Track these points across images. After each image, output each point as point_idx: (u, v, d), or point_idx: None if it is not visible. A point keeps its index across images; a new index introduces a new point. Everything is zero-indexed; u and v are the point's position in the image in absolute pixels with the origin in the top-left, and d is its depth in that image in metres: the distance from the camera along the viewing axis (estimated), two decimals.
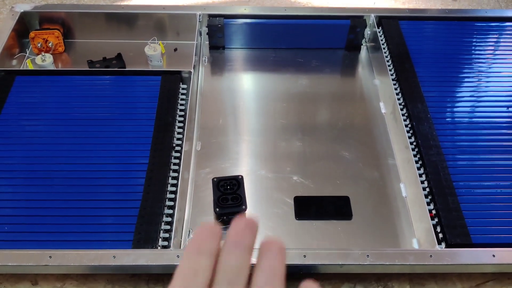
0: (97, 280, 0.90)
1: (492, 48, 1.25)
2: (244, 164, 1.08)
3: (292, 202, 1.01)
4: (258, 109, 1.20)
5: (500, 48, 1.25)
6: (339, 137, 1.14)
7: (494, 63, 1.21)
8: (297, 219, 0.99)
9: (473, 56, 1.23)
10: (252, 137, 1.14)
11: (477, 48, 1.24)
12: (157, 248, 0.85)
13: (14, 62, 1.26)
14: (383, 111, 1.19)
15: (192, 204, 1.00)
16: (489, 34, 1.28)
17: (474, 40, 1.26)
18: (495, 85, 1.16)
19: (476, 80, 1.17)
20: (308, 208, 1.00)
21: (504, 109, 1.10)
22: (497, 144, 1.03)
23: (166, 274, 0.90)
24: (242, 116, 1.19)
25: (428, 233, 0.90)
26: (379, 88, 1.24)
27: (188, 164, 1.06)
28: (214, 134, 1.14)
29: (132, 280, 0.90)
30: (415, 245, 0.94)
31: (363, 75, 1.30)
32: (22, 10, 1.29)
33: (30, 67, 1.23)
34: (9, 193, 0.92)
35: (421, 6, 1.55)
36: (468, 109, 1.10)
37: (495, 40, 1.27)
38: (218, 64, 1.32)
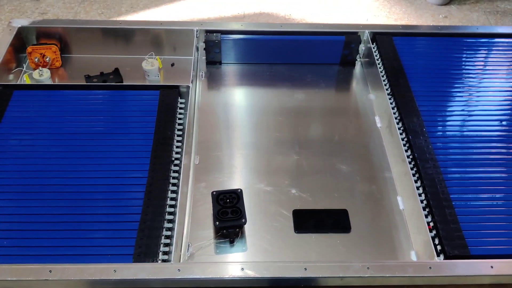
0: None
1: (483, 63, 1.28)
2: (242, 177, 1.09)
3: (291, 215, 1.02)
4: (254, 123, 1.21)
5: (491, 63, 1.28)
6: (335, 150, 1.16)
7: (486, 77, 1.24)
8: (296, 232, 0.99)
9: (466, 71, 1.25)
10: (249, 151, 1.15)
11: (469, 63, 1.27)
12: (157, 261, 0.85)
13: (11, 76, 1.26)
14: (378, 125, 1.21)
15: (191, 217, 1.01)
16: (480, 49, 1.31)
17: (466, 55, 1.29)
18: (487, 99, 1.18)
19: (469, 94, 1.19)
20: (307, 221, 1.01)
21: (497, 122, 1.12)
22: (491, 157, 1.05)
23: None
24: (239, 130, 1.19)
25: (426, 245, 0.91)
26: (374, 103, 1.26)
27: (186, 178, 1.06)
28: (212, 148, 1.15)
29: None
30: (413, 257, 0.95)
31: (358, 90, 1.32)
32: (19, 25, 1.29)
33: (28, 81, 1.23)
34: (8, 207, 0.92)
35: (413, 22, 1.58)
36: (462, 122, 1.12)
37: (486, 55, 1.30)
38: (215, 79, 1.34)
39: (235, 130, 1.19)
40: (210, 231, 0.99)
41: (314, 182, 1.09)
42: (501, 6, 1.77)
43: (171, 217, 0.94)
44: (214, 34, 1.31)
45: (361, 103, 1.28)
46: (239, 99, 1.29)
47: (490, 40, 1.34)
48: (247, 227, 0.99)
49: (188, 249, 0.94)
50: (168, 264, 0.85)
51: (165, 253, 0.88)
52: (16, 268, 0.82)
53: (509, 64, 1.27)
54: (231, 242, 0.96)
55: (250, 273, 0.83)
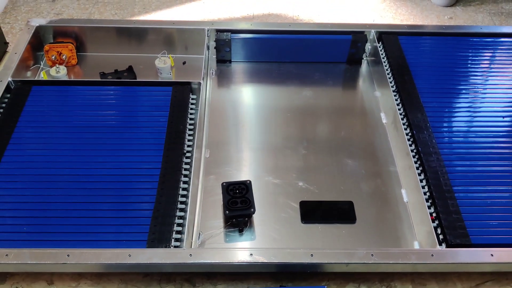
0: (111, 280, 0.93)
1: (486, 61, 1.31)
2: (251, 170, 1.13)
3: (298, 207, 1.05)
4: (263, 120, 1.25)
5: (494, 61, 1.31)
6: (341, 146, 1.19)
7: (488, 75, 1.27)
8: (303, 223, 1.03)
9: (469, 68, 1.29)
10: (258, 145, 1.18)
11: (472, 61, 1.30)
12: (170, 247, 0.89)
13: (29, 73, 1.31)
14: (384, 121, 1.24)
15: (202, 208, 1.04)
16: (483, 48, 1.34)
17: (469, 54, 1.32)
18: (489, 95, 1.22)
19: (472, 90, 1.23)
20: (314, 212, 1.04)
21: (499, 118, 1.15)
22: (493, 151, 1.08)
23: (177, 274, 0.93)
24: (248, 126, 1.23)
25: (429, 235, 0.94)
26: (380, 100, 1.30)
27: (197, 170, 1.10)
28: (222, 142, 1.19)
29: (144, 280, 0.94)
30: (417, 247, 0.98)
31: (364, 88, 1.35)
32: (37, 24, 1.34)
33: (45, 77, 1.28)
34: (29, 195, 0.97)
35: (419, 23, 1.62)
36: (465, 118, 1.15)
37: (489, 54, 1.33)
38: (225, 76, 1.38)
39: (244, 126, 1.23)
40: (220, 221, 1.02)
41: (321, 176, 1.12)
42: (506, 8, 1.79)
43: (183, 206, 0.97)
44: (225, 33, 1.36)
45: (367, 101, 1.31)
46: (248, 96, 1.33)
47: (493, 40, 1.37)
48: (255, 217, 1.03)
49: (199, 237, 0.98)
50: (180, 250, 0.89)
51: (177, 239, 0.92)
52: (35, 252, 0.86)
53: (509, 62, 1.30)
54: (240, 231, 1.00)
55: (259, 258, 0.87)
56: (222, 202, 1.00)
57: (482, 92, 1.22)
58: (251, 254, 0.87)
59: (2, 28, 1.48)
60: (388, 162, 1.15)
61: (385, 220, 1.04)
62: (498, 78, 1.26)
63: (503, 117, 1.15)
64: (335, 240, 1.00)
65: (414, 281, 0.94)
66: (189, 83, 1.21)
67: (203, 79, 1.23)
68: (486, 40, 1.36)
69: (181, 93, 1.18)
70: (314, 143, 1.19)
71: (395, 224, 1.03)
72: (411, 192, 1.06)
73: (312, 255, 0.87)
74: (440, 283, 0.94)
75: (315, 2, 1.79)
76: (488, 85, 1.24)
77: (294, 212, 1.05)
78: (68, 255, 0.86)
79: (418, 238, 0.99)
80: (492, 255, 0.88)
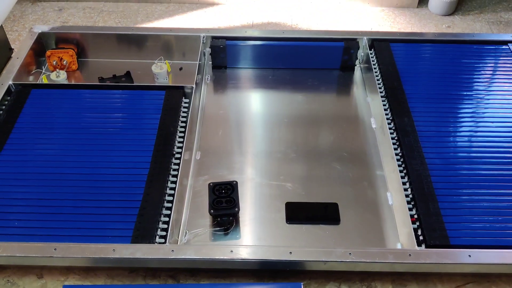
0: (97, 275, 0.96)
1: (475, 68, 1.32)
2: (241, 172, 1.15)
3: (284, 208, 1.07)
4: (256, 124, 1.28)
5: (482, 68, 1.32)
6: (331, 150, 1.21)
7: (476, 81, 1.28)
8: (287, 223, 1.05)
9: (458, 75, 1.30)
10: (249, 148, 1.21)
11: (459, 67, 1.32)
12: (153, 243, 0.92)
13: (31, 78, 1.36)
14: (373, 126, 1.26)
15: (190, 207, 1.07)
16: (473, 55, 1.36)
17: (458, 60, 1.34)
18: (476, 101, 1.23)
19: (460, 96, 1.24)
20: (299, 213, 1.06)
21: (485, 123, 1.16)
22: (477, 155, 1.09)
23: (162, 270, 0.96)
24: (240, 130, 1.26)
25: (409, 236, 0.95)
26: (371, 105, 1.31)
27: (188, 171, 1.13)
28: (213, 145, 1.22)
29: (130, 276, 0.96)
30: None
31: (357, 94, 1.37)
32: (40, 31, 1.40)
33: (45, 81, 1.33)
34: (21, 192, 1.01)
35: (417, 32, 1.64)
36: (451, 123, 1.17)
37: (478, 61, 1.34)
38: (220, 82, 1.41)
39: (236, 129, 1.26)
40: (207, 221, 1.05)
41: (308, 178, 1.14)
42: (505, 17, 1.80)
43: (169, 205, 1.00)
44: (220, 40, 1.39)
45: (359, 106, 1.33)
46: (243, 102, 1.36)
47: (482, 47, 1.38)
48: (241, 218, 1.05)
49: (185, 236, 1.01)
50: (163, 245, 0.92)
51: (161, 237, 0.95)
52: (24, 246, 0.90)
53: (498, 69, 1.32)
54: (226, 230, 1.02)
55: (239, 255, 0.89)
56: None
57: (469, 97, 1.24)
58: (231, 251, 0.89)
59: (9, 36, 1.54)
60: (376, 166, 1.17)
61: (370, 222, 1.05)
62: (485, 84, 1.28)
63: (487, 122, 1.16)
64: (318, 240, 1.02)
65: (394, 282, 0.95)
66: (182, 87, 1.24)
67: (196, 84, 1.26)
68: (475, 47, 1.38)
69: (174, 97, 1.22)
70: (304, 147, 1.22)
71: (379, 226, 1.04)
72: (395, 194, 1.07)
73: (291, 252, 0.89)
74: (420, 284, 0.95)
75: (313, 11, 1.82)
76: (475, 91, 1.26)
77: (279, 213, 1.07)
78: (55, 249, 0.89)
79: (401, 240, 1.01)
80: (470, 255, 0.89)
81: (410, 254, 0.89)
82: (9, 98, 1.22)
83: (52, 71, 1.36)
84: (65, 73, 1.34)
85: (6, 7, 1.38)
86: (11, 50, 1.52)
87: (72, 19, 1.78)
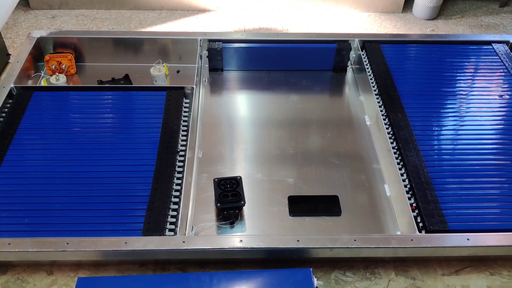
0: (107, 270, 0.98)
1: (462, 66, 1.39)
2: (242, 169, 1.18)
3: (287, 201, 1.11)
4: (254, 123, 1.32)
5: (469, 66, 1.39)
6: (328, 146, 1.25)
7: (464, 78, 1.35)
8: (291, 216, 1.08)
9: (446, 72, 1.36)
10: (249, 146, 1.24)
11: (448, 66, 1.38)
12: (164, 235, 0.94)
13: (30, 82, 1.37)
14: (367, 123, 1.31)
15: (195, 203, 1.10)
16: (459, 54, 1.43)
17: (447, 59, 1.40)
18: (464, 96, 1.29)
19: (449, 92, 1.30)
20: (301, 206, 1.10)
21: (474, 116, 1.22)
22: (469, 146, 1.15)
23: (171, 263, 0.98)
24: (239, 129, 1.29)
25: (409, 223, 0.99)
26: (364, 104, 1.36)
27: (191, 169, 1.15)
28: (214, 143, 1.25)
29: (140, 269, 0.98)
30: None
31: (349, 94, 1.42)
32: (38, 36, 1.41)
33: (45, 85, 1.34)
34: (31, 190, 1.02)
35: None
36: (443, 117, 1.22)
37: (465, 59, 1.41)
38: (217, 84, 1.45)
39: (235, 129, 1.29)
40: (212, 215, 1.08)
41: (308, 173, 1.18)
42: (485, 20, 1.88)
43: (176, 200, 1.03)
44: (216, 43, 1.43)
45: (352, 105, 1.38)
46: (240, 102, 1.39)
47: (467, 47, 1.46)
48: (246, 211, 1.08)
49: (192, 230, 1.03)
50: (174, 237, 0.94)
51: (171, 230, 0.97)
52: (36, 241, 0.91)
53: (484, 67, 1.38)
54: (232, 223, 1.05)
55: (248, 244, 0.92)
56: (214, 198, 1.06)
57: (458, 93, 1.30)
58: (241, 240, 0.92)
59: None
60: (372, 160, 1.21)
61: (369, 213, 1.09)
62: (472, 81, 1.34)
63: (477, 116, 1.22)
64: (321, 231, 1.05)
65: (397, 268, 0.99)
66: (182, 88, 1.27)
67: (196, 85, 1.30)
68: (461, 47, 1.45)
69: (175, 97, 1.25)
70: (302, 144, 1.26)
71: (378, 217, 1.09)
72: (393, 186, 1.11)
73: (298, 240, 0.92)
74: (421, 269, 0.99)
75: (302, 17, 1.87)
76: (463, 87, 1.32)
77: (283, 206, 1.10)
78: (67, 243, 0.91)
79: (400, 229, 1.05)
80: (468, 239, 0.93)
81: (412, 239, 0.93)
82: (11, 101, 1.23)
83: (51, 75, 1.38)
84: (65, 76, 1.36)
85: (5, 13, 1.39)
86: (8, 55, 1.53)
87: (66, 27, 1.79)
